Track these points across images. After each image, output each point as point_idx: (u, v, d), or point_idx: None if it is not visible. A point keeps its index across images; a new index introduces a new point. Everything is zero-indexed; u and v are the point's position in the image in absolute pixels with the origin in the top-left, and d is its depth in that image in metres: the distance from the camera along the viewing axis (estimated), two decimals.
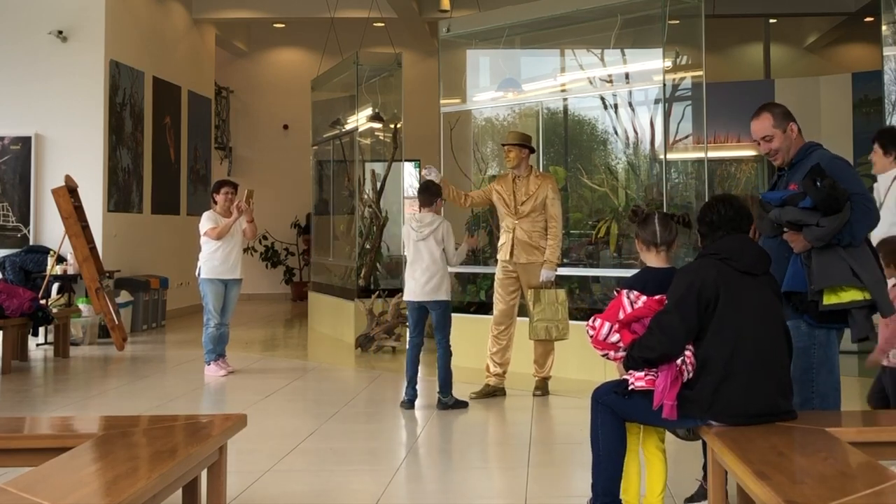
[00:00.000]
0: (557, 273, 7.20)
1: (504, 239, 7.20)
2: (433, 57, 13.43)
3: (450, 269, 6.94)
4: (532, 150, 7.31)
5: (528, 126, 9.35)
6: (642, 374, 3.75)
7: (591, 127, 10.06)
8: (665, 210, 6.84)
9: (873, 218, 3.96)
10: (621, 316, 3.83)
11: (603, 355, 3.94)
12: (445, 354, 6.76)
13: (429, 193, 6.87)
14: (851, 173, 4.03)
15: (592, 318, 3.91)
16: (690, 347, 3.73)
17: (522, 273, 7.09)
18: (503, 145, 7.34)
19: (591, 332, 3.86)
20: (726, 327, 3.71)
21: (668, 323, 3.72)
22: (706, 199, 4.79)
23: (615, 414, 3.87)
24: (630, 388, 3.77)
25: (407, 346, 7.05)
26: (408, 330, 7.01)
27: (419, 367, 6.85)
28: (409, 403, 6.73)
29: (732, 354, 3.69)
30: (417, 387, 6.79)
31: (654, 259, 4.05)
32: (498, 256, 7.28)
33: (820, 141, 4.27)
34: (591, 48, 9.42)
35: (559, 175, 8.98)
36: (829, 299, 3.93)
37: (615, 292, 3.98)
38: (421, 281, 6.71)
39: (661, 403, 3.69)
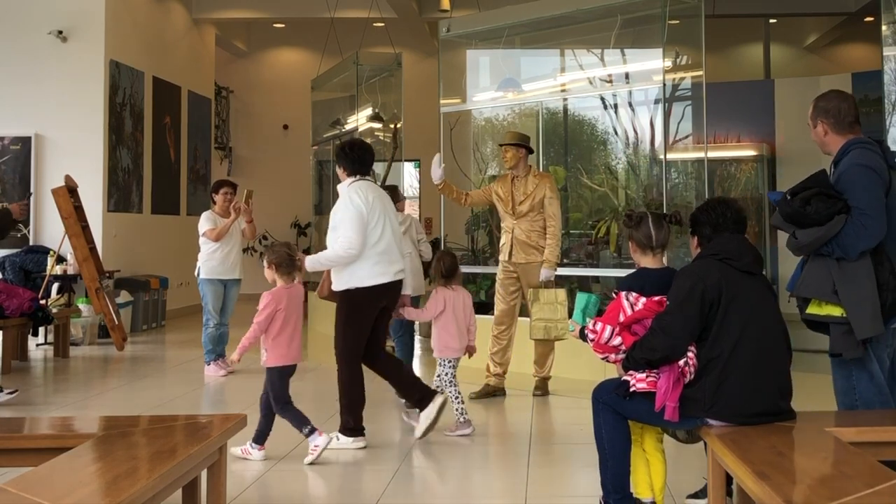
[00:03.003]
0: (557, 273, 7.20)
1: (504, 239, 7.21)
2: (433, 57, 13.44)
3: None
4: (530, 151, 7.31)
5: (528, 126, 9.35)
6: (643, 375, 3.75)
7: (591, 127, 10.06)
8: (665, 210, 6.84)
9: (870, 235, 3.80)
10: (622, 318, 3.83)
11: (603, 358, 3.93)
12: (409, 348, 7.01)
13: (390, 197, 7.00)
14: (861, 185, 3.86)
15: (592, 321, 3.90)
16: (693, 349, 3.74)
17: (522, 273, 7.09)
18: (500, 145, 7.34)
19: (593, 337, 3.85)
20: (728, 327, 3.71)
21: (670, 324, 3.71)
22: (705, 200, 4.78)
23: (617, 412, 3.88)
24: (631, 389, 3.77)
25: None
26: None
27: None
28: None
29: (734, 354, 3.69)
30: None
31: (650, 261, 4.03)
32: (499, 257, 7.29)
33: None
34: (591, 48, 9.42)
35: (559, 175, 8.98)
36: (812, 309, 3.94)
37: (614, 294, 3.98)
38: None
39: (664, 405, 3.69)
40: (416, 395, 5.67)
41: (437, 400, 5.61)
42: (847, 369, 3.98)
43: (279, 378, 5.24)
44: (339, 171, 5.62)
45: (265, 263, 5.39)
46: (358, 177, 5.57)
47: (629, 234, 4.08)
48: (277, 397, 5.22)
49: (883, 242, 3.90)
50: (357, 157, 5.58)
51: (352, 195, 5.44)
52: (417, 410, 5.78)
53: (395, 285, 5.57)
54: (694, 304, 3.72)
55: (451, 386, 5.88)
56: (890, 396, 3.98)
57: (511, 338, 7.19)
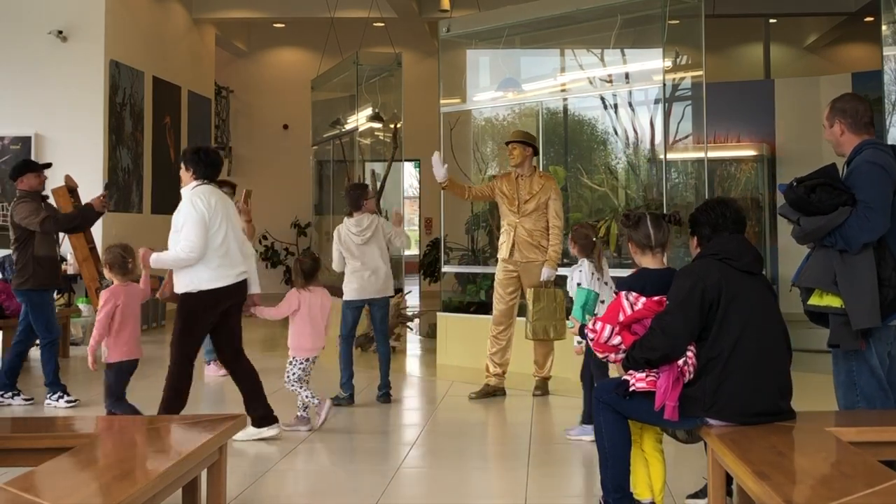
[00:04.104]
0: (557, 273, 7.20)
1: (504, 237, 7.19)
2: (433, 57, 13.43)
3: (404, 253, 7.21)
4: (536, 150, 7.34)
5: (528, 126, 9.35)
6: (643, 375, 3.75)
7: (591, 127, 10.06)
8: (665, 210, 6.84)
9: (872, 228, 3.86)
10: (621, 318, 3.83)
11: (603, 358, 3.94)
12: (388, 350, 7.09)
13: (354, 197, 7.03)
14: (869, 181, 3.93)
15: (592, 321, 3.90)
16: (692, 348, 3.74)
17: (523, 272, 7.09)
18: (507, 143, 7.34)
19: (593, 336, 3.85)
20: (728, 327, 3.71)
21: (670, 324, 3.72)
22: (705, 200, 4.79)
23: (617, 411, 3.88)
24: (631, 388, 3.77)
25: (342, 346, 7.08)
26: (342, 330, 7.10)
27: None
28: (349, 399, 6.78)
29: (734, 354, 3.70)
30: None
31: (650, 261, 4.02)
32: (498, 255, 7.27)
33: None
34: (591, 48, 9.42)
35: (559, 175, 8.98)
36: (813, 300, 4.00)
37: (614, 293, 3.98)
38: (371, 280, 6.90)
39: (663, 404, 3.69)
40: (261, 411, 5.72)
41: (272, 430, 5.69)
42: (848, 364, 4.01)
43: (118, 374, 5.33)
44: (186, 174, 5.67)
45: (102, 262, 5.51)
46: (203, 181, 5.65)
47: (628, 235, 4.08)
48: (112, 392, 5.30)
49: (887, 239, 3.93)
50: (210, 161, 5.70)
51: (194, 199, 5.53)
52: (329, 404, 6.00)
53: (240, 286, 5.69)
54: (694, 304, 3.72)
55: (296, 383, 6.01)
56: (890, 392, 4.00)
57: (510, 338, 7.19)
